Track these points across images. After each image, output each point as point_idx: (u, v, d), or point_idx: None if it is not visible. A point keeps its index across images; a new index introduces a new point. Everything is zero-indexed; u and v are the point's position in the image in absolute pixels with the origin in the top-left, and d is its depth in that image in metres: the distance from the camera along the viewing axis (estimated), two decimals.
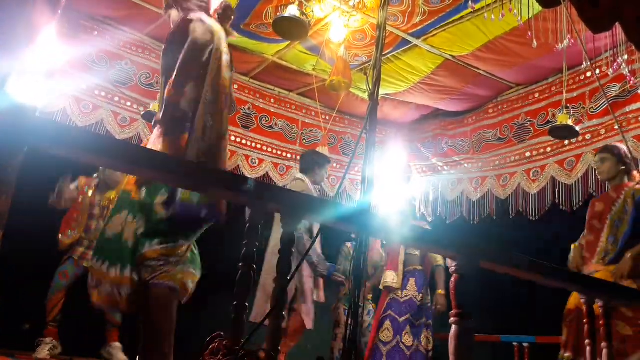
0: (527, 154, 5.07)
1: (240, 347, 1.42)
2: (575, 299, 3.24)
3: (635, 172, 3.45)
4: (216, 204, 2.05)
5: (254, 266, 1.55)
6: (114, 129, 4.90)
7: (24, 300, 4.47)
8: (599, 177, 3.63)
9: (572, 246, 3.60)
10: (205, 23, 2.12)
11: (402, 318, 4.22)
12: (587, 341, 2.29)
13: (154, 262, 1.96)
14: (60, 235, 4.33)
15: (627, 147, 3.98)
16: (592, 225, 3.47)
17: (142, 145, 2.40)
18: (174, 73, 2.06)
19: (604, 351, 2.30)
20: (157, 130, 2.11)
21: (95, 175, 4.49)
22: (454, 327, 1.84)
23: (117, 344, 4.24)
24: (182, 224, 2.03)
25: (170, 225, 2.00)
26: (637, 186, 3.36)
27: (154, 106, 4.38)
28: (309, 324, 3.84)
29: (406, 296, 4.30)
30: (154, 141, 2.09)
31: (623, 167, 3.44)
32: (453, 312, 1.85)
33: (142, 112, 4.72)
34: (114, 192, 4.34)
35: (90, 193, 4.43)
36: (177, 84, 2.05)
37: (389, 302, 4.32)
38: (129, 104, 5.01)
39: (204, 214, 2.01)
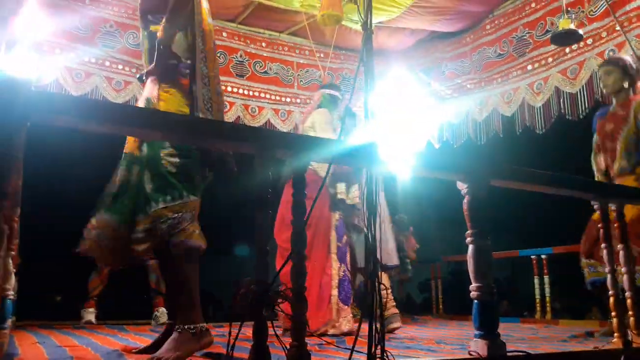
0: (529, 67, 4.97)
1: (268, 289, 1.47)
2: None
3: (639, 84, 3.40)
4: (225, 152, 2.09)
5: (270, 211, 1.58)
6: (109, 94, 4.85)
7: (56, 273, 4.64)
8: (603, 90, 3.58)
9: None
10: None
11: None
12: (603, 244, 2.33)
13: (170, 220, 1.98)
14: None
15: (632, 49, 3.90)
16: (605, 146, 3.48)
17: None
18: (163, 20, 2.09)
19: (621, 252, 2.35)
20: (150, 79, 2.15)
21: None
22: (471, 246, 1.88)
23: (162, 309, 4.45)
24: (192, 174, 2.06)
25: (181, 177, 2.03)
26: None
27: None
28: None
29: None
30: (151, 90, 2.13)
31: (628, 79, 3.40)
32: (469, 232, 1.88)
33: (138, 76, 4.62)
34: None
35: None
36: (166, 29, 2.09)
37: None
38: (120, 67, 4.93)
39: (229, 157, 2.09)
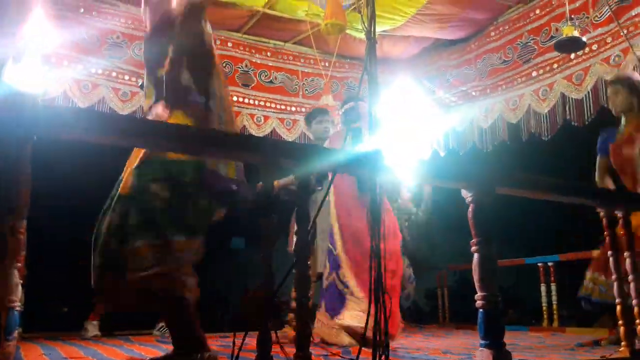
0: (534, 74, 4.96)
1: (274, 296, 1.47)
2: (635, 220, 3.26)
3: None
4: (242, 180, 1.96)
5: (275, 217, 1.58)
6: (116, 105, 4.89)
7: (61, 283, 4.65)
8: (612, 109, 3.47)
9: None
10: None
11: None
12: (609, 252, 2.32)
13: (145, 260, 1.78)
14: None
15: (634, 54, 3.87)
16: (625, 172, 3.39)
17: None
18: (171, 53, 2.03)
19: (627, 260, 2.33)
20: (159, 105, 2.05)
21: None
22: (476, 255, 1.88)
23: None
24: (184, 212, 1.86)
25: (168, 215, 1.83)
26: None
27: None
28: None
29: None
30: (160, 114, 2.05)
31: (636, 97, 3.33)
32: (474, 240, 1.88)
33: (140, 83, 4.65)
34: None
35: None
36: (175, 62, 2.03)
37: None
38: (127, 77, 4.97)
39: (235, 187, 1.93)
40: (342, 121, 3.79)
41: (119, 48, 4.95)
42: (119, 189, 1.90)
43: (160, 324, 4.44)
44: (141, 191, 1.84)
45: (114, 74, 4.93)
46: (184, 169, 1.87)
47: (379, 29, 5.33)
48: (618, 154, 3.42)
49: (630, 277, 2.31)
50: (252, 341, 1.46)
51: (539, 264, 5.15)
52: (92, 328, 4.38)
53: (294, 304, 1.50)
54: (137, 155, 1.94)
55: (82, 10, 4.78)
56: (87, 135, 1.29)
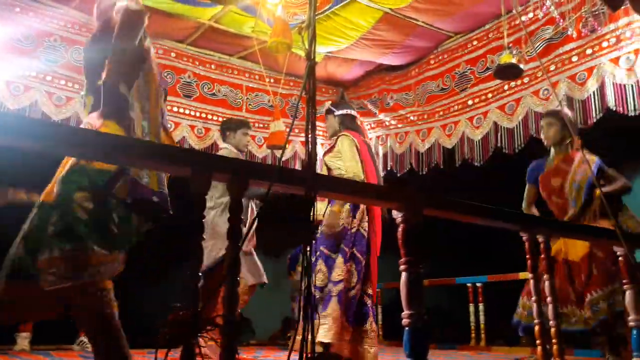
0: (470, 102, 5.19)
1: (197, 316, 1.45)
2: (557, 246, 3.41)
3: (575, 137, 3.51)
4: (164, 192, 1.92)
5: (204, 237, 1.56)
6: (49, 109, 4.70)
7: None
8: (544, 141, 3.68)
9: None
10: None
11: None
12: (530, 275, 2.44)
13: (60, 270, 1.71)
14: None
15: (554, 92, 4.11)
16: (552, 201, 3.58)
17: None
18: (108, 62, 1.98)
19: (546, 283, 2.46)
20: (94, 114, 2.00)
21: None
22: (404, 274, 1.92)
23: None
24: (105, 224, 1.81)
25: (90, 226, 1.78)
26: (588, 155, 3.45)
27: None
28: (251, 280, 3.85)
29: None
30: (92, 123, 1.99)
31: (568, 132, 3.52)
32: (402, 260, 1.92)
33: (82, 93, 4.48)
34: None
35: None
36: (113, 71, 1.97)
37: None
38: (63, 82, 4.80)
39: (156, 199, 1.88)
40: (337, 124, 3.68)
41: (56, 51, 4.78)
42: (42, 197, 1.83)
43: (80, 338, 4.25)
44: (64, 199, 1.78)
45: (49, 77, 4.74)
46: (109, 178, 1.83)
47: (324, 50, 5.42)
48: (546, 184, 3.63)
49: (548, 299, 2.43)
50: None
51: (468, 284, 5.32)
52: (21, 341, 4.14)
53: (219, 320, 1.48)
54: (65, 164, 1.88)
55: (17, 9, 4.59)
56: (15, 142, 1.24)
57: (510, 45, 4.59)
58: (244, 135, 4.10)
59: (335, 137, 3.61)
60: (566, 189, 3.49)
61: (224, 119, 4.74)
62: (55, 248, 1.72)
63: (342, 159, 3.47)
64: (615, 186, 3.40)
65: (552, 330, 2.39)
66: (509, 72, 4.16)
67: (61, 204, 1.78)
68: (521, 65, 4.09)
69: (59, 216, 1.76)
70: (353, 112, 3.74)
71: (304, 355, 1.53)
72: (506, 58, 4.07)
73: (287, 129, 5.02)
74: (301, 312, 1.56)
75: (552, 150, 3.65)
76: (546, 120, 3.64)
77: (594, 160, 3.46)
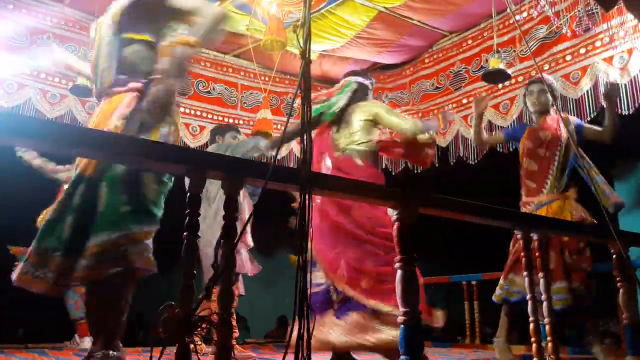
0: (464, 101, 5.21)
1: (192, 315, 1.44)
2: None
3: (557, 103, 3.61)
4: None
5: (199, 235, 1.56)
6: (43, 107, 4.67)
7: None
8: (534, 107, 3.54)
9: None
10: None
11: None
12: (525, 272, 2.44)
13: (141, 245, 1.90)
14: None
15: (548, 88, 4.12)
16: (537, 154, 3.45)
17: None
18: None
19: (541, 281, 2.47)
20: (131, 95, 2.04)
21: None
22: (399, 272, 1.93)
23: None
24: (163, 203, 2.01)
25: (158, 205, 1.97)
26: (565, 115, 3.50)
27: (82, 80, 4.18)
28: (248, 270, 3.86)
29: None
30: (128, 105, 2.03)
31: (553, 101, 3.45)
32: (397, 257, 1.93)
33: (70, 87, 4.44)
34: None
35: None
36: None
37: None
38: (57, 79, 4.77)
39: None
40: (345, 98, 3.22)
41: (49, 49, 4.74)
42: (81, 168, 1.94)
43: (76, 335, 4.25)
44: (136, 181, 1.92)
45: (42, 75, 4.72)
46: None
47: (319, 48, 5.42)
48: (535, 137, 3.49)
49: (543, 297, 2.44)
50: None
51: (463, 282, 5.34)
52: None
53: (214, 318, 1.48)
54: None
55: (10, 6, 4.56)
56: (9, 141, 1.23)
57: (500, 49, 4.61)
58: (233, 139, 4.10)
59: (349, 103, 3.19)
60: (556, 145, 3.40)
61: (214, 127, 4.75)
62: (130, 227, 1.87)
63: (387, 116, 3.07)
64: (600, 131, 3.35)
65: (547, 328, 2.40)
66: (497, 77, 4.18)
67: (125, 184, 1.90)
68: (509, 71, 4.10)
69: (128, 197, 1.89)
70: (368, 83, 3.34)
71: (300, 354, 1.53)
72: (494, 63, 4.10)
73: (274, 118, 5.04)
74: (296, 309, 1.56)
75: (535, 117, 3.57)
76: (537, 87, 3.50)
77: (573, 120, 3.49)
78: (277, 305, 6.63)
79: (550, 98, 3.41)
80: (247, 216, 3.81)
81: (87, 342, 4.16)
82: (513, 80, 4.71)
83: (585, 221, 3.29)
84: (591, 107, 4.20)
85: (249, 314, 6.75)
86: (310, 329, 1.47)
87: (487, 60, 4.98)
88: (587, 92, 4.24)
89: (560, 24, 4.34)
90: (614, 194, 3.35)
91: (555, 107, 3.46)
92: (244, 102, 5.85)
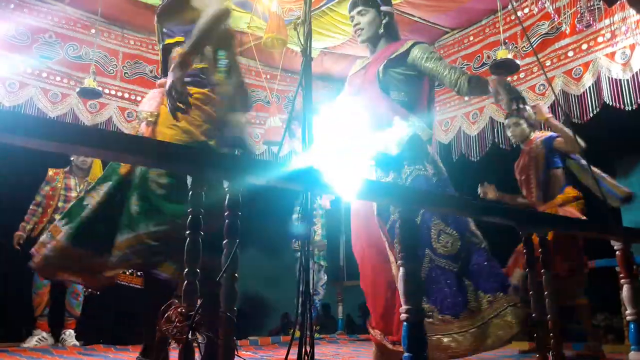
0: (466, 97, 5.19)
1: (196, 312, 1.45)
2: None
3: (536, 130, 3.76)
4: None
5: (202, 232, 1.56)
6: (45, 106, 4.69)
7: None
8: (513, 139, 3.81)
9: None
10: None
11: None
12: (527, 270, 2.44)
13: (150, 247, 1.82)
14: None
15: (551, 87, 4.16)
16: (521, 181, 3.77)
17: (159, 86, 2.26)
18: None
19: (544, 277, 2.47)
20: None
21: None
22: (401, 269, 1.93)
23: (71, 331, 4.31)
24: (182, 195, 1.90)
25: (171, 199, 1.87)
26: (540, 133, 3.70)
27: (88, 81, 4.21)
28: None
29: None
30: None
31: (531, 130, 3.71)
32: (399, 255, 1.93)
33: (78, 90, 4.44)
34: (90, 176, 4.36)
35: (59, 182, 4.34)
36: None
37: None
38: (58, 78, 4.79)
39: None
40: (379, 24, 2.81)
41: (51, 48, 4.76)
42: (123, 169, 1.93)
43: (62, 335, 4.28)
44: (145, 178, 1.90)
45: (44, 74, 4.73)
46: None
47: (320, 45, 5.41)
48: (516, 166, 3.82)
49: (545, 294, 2.44)
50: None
51: None
52: (32, 338, 4.16)
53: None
54: None
55: (12, 6, 4.57)
56: (9, 139, 1.23)
57: (506, 41, 4.60)
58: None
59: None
60: (530, 167, 3.65)
61: None
62: (141, 226, 1.83)
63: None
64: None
65: (550, 324, 2.40)
66: (506, 68, 4.17)
67: (141, 183, 1.89)
68: (517, 61, 4.10)
69: (140, 196, 1.87)
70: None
71: (303, 351, 1.54)
72: (502, 54, 4.08)
73: (284, 125, 5.03)
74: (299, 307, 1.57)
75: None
76: (511, 121, 3.75)
77: (546, 134, 3.64)
78: (281, 302, 6.64)
79: (526, 127, 3.70)
80: None
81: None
82: (515, 77, 4.71)
83: None
84: (594, 103, 4.19)
85: (252, 311, 6.77)
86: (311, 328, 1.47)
87: (489, 57, 4.97)
88: (589, 88, 4.23)
89: (562, 20, 4.33)
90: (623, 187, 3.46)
91: (534, 131, 3.72)
92: None
